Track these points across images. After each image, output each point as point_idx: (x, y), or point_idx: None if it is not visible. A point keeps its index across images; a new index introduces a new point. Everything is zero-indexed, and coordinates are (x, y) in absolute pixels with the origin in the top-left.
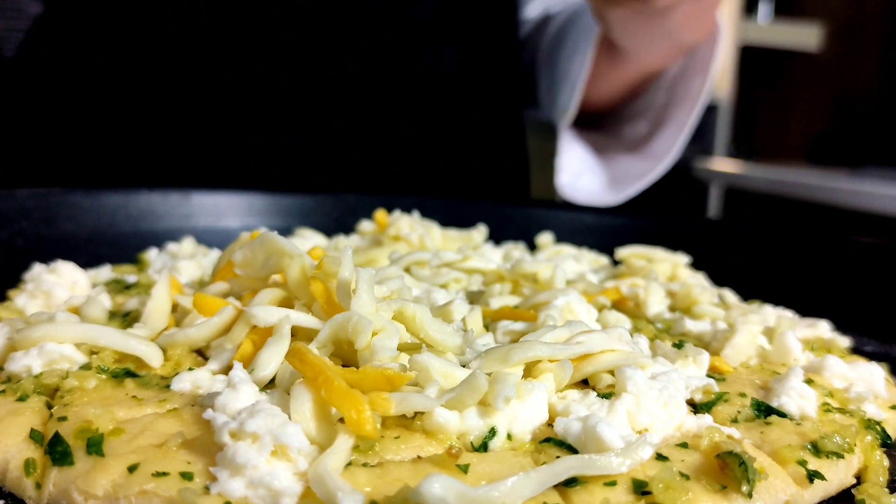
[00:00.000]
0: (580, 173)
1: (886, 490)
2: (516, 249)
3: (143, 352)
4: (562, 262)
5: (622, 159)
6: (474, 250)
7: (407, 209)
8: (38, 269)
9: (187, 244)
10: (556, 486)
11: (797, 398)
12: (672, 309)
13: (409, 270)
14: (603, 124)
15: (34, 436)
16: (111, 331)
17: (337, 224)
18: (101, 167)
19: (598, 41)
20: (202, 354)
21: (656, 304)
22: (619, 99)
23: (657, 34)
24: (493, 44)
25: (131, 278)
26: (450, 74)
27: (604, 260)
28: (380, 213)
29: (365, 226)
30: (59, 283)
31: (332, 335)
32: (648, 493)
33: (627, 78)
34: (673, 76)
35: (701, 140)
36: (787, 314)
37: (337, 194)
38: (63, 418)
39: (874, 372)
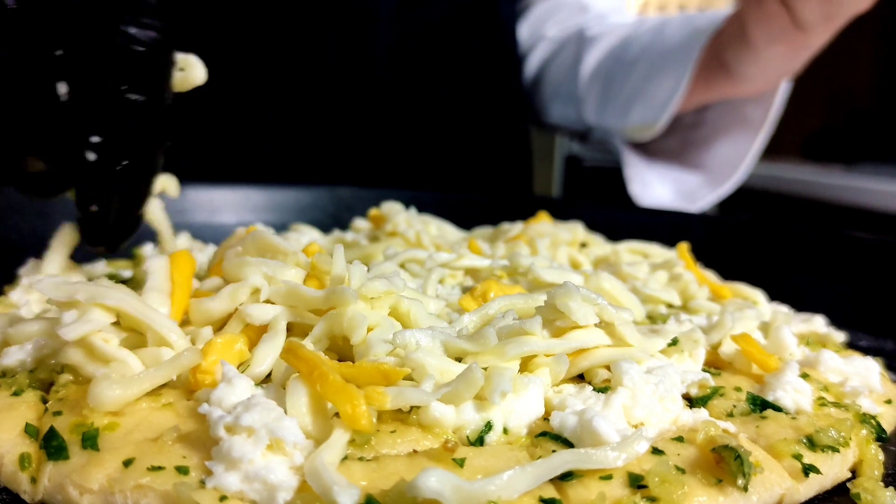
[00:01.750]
0: (648, 183)
1: (881, 484)
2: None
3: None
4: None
5: (672, 172)
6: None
7: (404, 204)
8: (32, 264)
9: (183, 240)
10: (551, 480)
11: (792, 392)
12: (669, 305)
13: (404, 266)
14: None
15: (29, 430)
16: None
17: (333, 219)
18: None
19: (698, 62)
20: None
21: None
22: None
23: (785, 57)
24: (495, 42)
25: (126, 273)
26: (451, 71)
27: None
28: (374, 212)
29: (360, 223)
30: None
31: (327, 330)
32: (644, 486)
33: (712, 99)
34: None
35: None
36: (783, 309)
37: (333, 189)
38: (58, 413)
39: (869, 366)
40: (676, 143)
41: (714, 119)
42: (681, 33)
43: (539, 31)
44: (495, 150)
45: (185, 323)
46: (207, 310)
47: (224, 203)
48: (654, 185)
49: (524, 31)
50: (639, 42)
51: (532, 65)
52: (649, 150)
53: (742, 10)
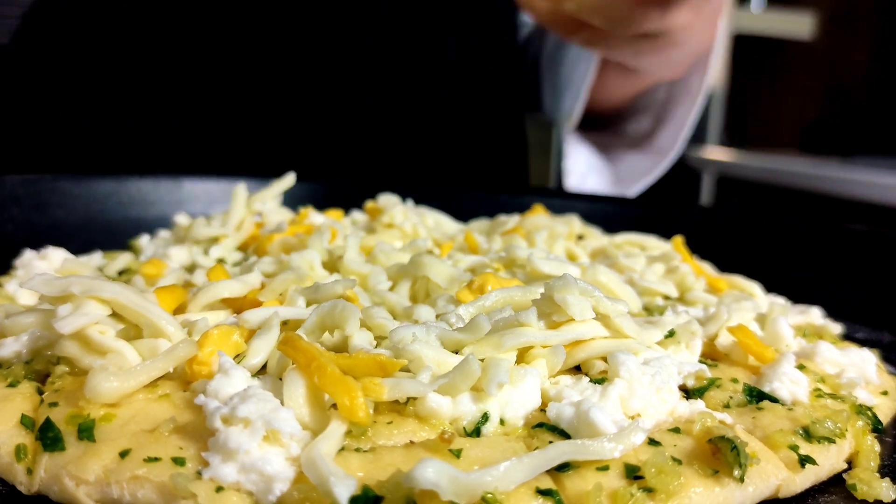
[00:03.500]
0: (586, 175)
1: (877, 475)
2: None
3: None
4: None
5: (627, 157)
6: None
7: (402, 196)
8: (28, 255)
9: (181, 218)
10: (548, 471)
11: (789, 384)
12: (665, 297)
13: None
14: (606, 123)
15: (25, 421)
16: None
17: None
18: (93, 154)
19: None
20: None
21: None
22: (625, 100)
23: (666, 56)
24: (493, 35)
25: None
26: (450, 64)
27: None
28: (371, 204)
29: (357, 215)
30: (49, 269)
31: (319, 322)
32: (641, 477)
33: (639, 87)
34: None
35: (693, 129)
36: (780, 301)
37: (330, 181)
38: (54, 404)
39: (866, 358)
40: (647, 126)
41: (677, 92)
42: None
43: None
44: (490, 142)
45: (178, 311)
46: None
47: (220, 194)
48: (589, 178)
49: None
50: None
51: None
52: (623, 133)
53: (578, 44)
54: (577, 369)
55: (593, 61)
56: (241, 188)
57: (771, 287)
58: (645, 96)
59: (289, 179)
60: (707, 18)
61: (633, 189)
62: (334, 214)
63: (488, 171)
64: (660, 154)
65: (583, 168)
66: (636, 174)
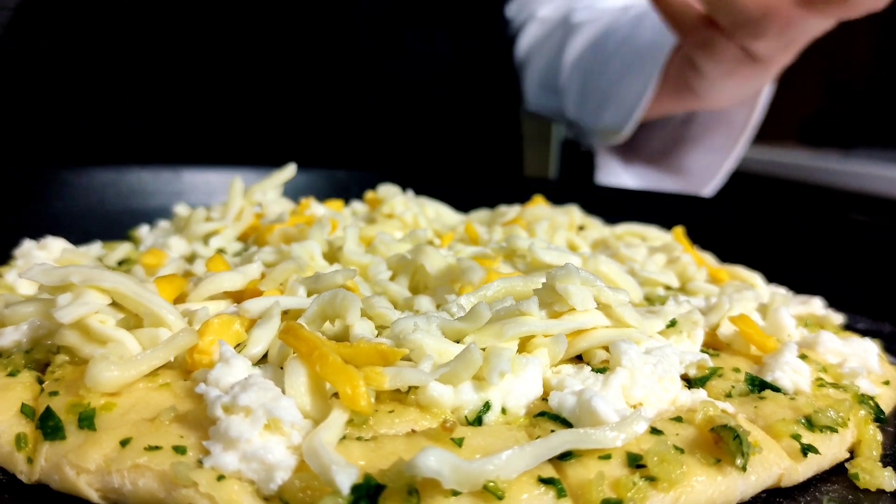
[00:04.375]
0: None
1: (879, 464)
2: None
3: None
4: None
5: (647, 173)
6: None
7: (401, 187)
8: (28, 245)
9: (181, 208)
10: (550, 460)
11: (791, 373)
12: (667, 287)
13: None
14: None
15: (25, 410)
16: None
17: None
18: (92, 144)
19: (662, 73)
20: None
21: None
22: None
23: (746, 79)
24: (485, 27)
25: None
26: (443, 56)
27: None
28: (371, 194)
29: (357, 205)
30: (49, 259)
31: (320, 312)
32: (643, 466)
33: (679, 110)
34: None
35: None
36: (781, 291)
37: (330, 172)
38: (54, 393)
39: (868, 348)
40: (661, 144)
41: (703, 118)
42: (653, 30)
43: (529, 9)
44: (486, 133)
45: (178, 301)
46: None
47: (220, 185)
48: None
49: (512, 9)
50: (618, 33)
51: (522, 46)
52: (633, 149)
53: (686, 47)
54: (578, 359)
55: (653, 77)
56: (238, 180)
57: (772, 278)
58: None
59: (289, 170)
60: (788, 53)
61: None
62: (334, 205)
63: (483, 162)
64: (691, 176)
65: (619, 180)
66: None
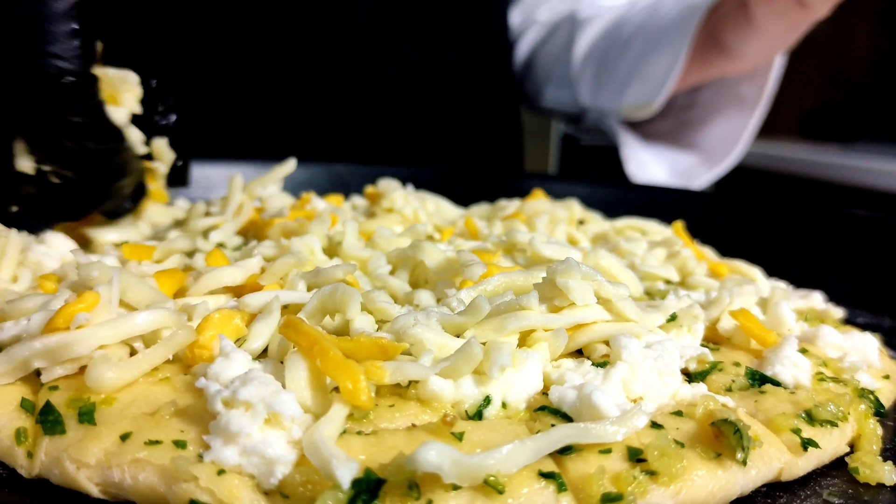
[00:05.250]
0: (645, 164)
1: (879, 458)
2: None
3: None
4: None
5: (669, 153)
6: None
7: (401, 181)
8: (27, 239)
9: (181, 202)
10: (551, 454)
11: (791, 367)
12: (667, 281)
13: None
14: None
15: (25, 405)
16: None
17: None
18: None
19: (694, 38)
20: None
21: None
22: None
23: (787, 33)
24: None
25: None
26: (443, 55)
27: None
28: (371, 189)
29: (357, 199)
30: (48, 253)
31: (320, 306)
32: (643, 460)
33: (707, 78)
34: None
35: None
36: (781, 285)
37: (330, 166)
38: (54, 388)
39: (868, 342)
40: (669, 125)
41: (707, 100)
42: (676, 10)
43: (531, 16)
44: (486, 131)
45: (178, 295)
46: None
47: (219, 179)
48: (650, 166)
49: (516, 16)
50: (633, 22)
51: (523, 49)
52: (643, 131)
53: None
54: (578, 353)
55: (684, 48)
56: (238, 175)
57: (772, 272)
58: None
59: (289, 165)
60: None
61: (698, 182)
62: (334, 200)
63: (483, 159)
64: (709, 152)
65: (640, 157)
66: (684, 169)
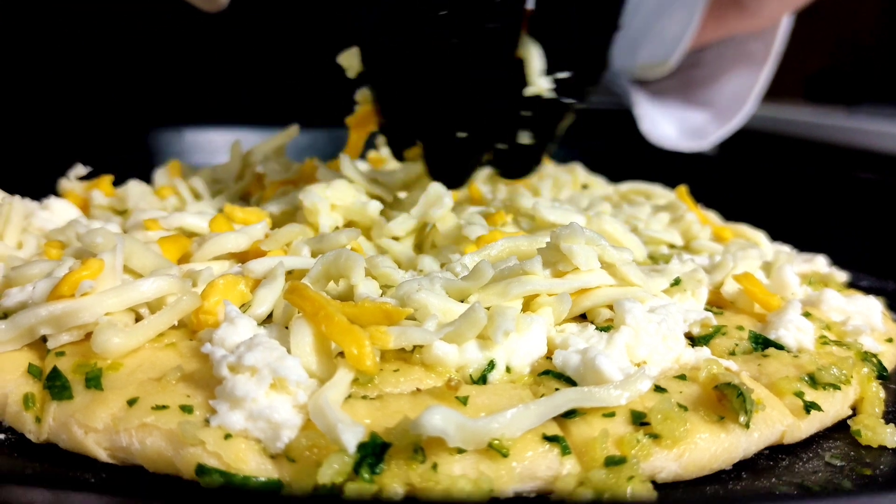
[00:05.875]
0: (657, 122)
1: (882, 421)
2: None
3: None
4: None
5: (680, 109)
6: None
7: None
8: (31, 205)
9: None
10: (555, 418)
11: (794, 331)
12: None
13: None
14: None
15: (32, 371)
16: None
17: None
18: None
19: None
20: None
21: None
22: None
23: None
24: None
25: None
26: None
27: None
28: (374, 154)
29: (360, 164)
30: (51, 219)
31: (324, 272)
32: (647, 423)
33: (719, 36)
34: None
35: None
36: (785, 249)
37: (331, 131)
38: (61, 353)
39: (871, 305)
40: (674, 84)
41: (713, 58)
42: None
43: None
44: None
45: (182, 260)
46: None
47: (222, 145)
48: (662, 124)
49: None
50: None
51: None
52: (650, 90)
53: None
54: (582, 317)
55: (700, 4)
56: (239, 142)
57: (776, 236)
58: None
59: (292, 130)
60: None
61: (706, 142)
62: (338, 165)
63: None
64: (719, 108)
65: (651, 115)
66: (696, 127)
